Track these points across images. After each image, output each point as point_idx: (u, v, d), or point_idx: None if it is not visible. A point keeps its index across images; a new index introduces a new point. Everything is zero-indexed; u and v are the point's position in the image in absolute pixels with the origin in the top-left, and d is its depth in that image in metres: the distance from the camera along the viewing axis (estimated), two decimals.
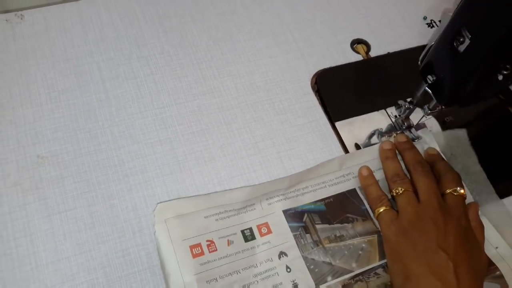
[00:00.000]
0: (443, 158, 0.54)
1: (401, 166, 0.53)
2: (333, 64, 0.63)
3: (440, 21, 0.69)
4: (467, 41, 0.44)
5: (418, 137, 0.57)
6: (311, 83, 0.61)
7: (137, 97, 0.56)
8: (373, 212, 0.51)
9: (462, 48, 0.45)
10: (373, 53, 0.65)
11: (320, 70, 0.62)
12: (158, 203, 0.49)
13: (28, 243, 0.47)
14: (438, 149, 0.56)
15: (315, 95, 0.60)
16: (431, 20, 0.69)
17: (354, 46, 0.65)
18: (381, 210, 0.50)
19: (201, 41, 0.62)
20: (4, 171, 0.50)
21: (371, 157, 0.54)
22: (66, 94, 0.55)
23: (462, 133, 0.57)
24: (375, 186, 0.52)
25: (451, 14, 0.47)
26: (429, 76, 0.50)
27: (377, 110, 0.60)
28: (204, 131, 0.55)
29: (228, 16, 0.64)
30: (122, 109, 0.55)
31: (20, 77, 0.55)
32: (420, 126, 0.58)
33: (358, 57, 0.64)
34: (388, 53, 0.65)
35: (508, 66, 0.43)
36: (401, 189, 0.50)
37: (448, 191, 0.50)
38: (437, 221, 0.47)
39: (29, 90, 0.55)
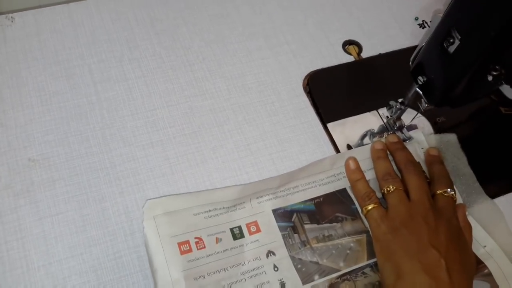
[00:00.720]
0: (442, 162, 0.54)
1: (393, 166, 0.53)
2: (325, 66, 0.63)
3: (430, 21, 0.69)
4: (457, 42, 0.44)
5: (409, 138, 0.57)
6: (303, 85, 0.61)
7: (129, 100, 0.56)
8: (361, 209, 0.51)
9: (452, 49, 0.45)
10: (364, 54, 0.65)
11: (312, 72, 0.62)
12: (148, 199, 0.49)
13: (19, 246, 0.47)
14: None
15: (307, 96, 0.60)
16: (422, 21, 0.69)
17: (346, 47, 0.65)
18: (370, 207, 0.50)
19: (193, 43, 0.62)
20: None
21: (362, 157, 0.54)
22: (57, 97, 0.55)
23: (452, 136, 0.58)
24: (363, 182, 0.52)
25: (441, 15, 0.47)
26: (420, 77, 0.50)
27: (369, 111, 0.60)
28: (196, 133, 0.55)
29: (220, 18, 0.64)
30: (113, 112, 0.55)
31: (11, 79, 0.55)
32: (411, 126, 0.59)
33: (350, 58, 0.64)
34: (380, 54, 0.65)
35: (497, 67, 0.44)
36: (392, 187, 0.50)
37: (438, 191, 0.50)
38: (428, 220, 0.47)
39: (20, 92, 0.54)
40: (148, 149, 0.53)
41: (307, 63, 0.63)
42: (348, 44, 0.65)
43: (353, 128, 0.59)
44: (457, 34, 0.44)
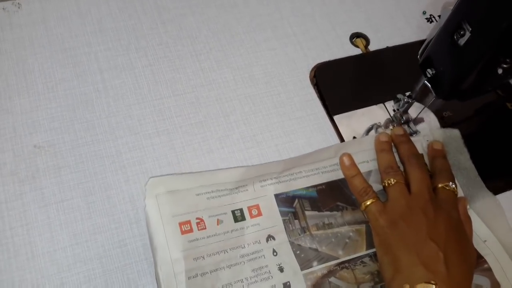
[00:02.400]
0: (444, 156, 0.54)
1: (396, 159, 0.53)
2: (332, 58, 0.62)
3: (439, 16, 0.69)
4: (468, 34, 0.44)
5: (416, 132, 0.56)
6: (310, 76, 0.61)
7: (135, 88, 0.56)
8: (359, 204, 0.50)
9: (462, 41, 0.45)
10: (372, 47, 0.65)
11: (319, 64, 0.62)
12: (151, 177, 0.49)
13: (24, 233, 0.46)
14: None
15: (314, 88, 0.60)
16: (430, 15, 0.69)
17: (353, 40, 0.65)
18: (368, 202, 0.49)
19: (200, 33, 0.61)
20: (0, 160, 0.49)
21: (367, 147, 0.54)
22: (63, 84, 0.55)
23: (456, 131, 0.57)
24: (359, 178, 0.52)
25: (451, 7, 0.47)
26: (429, 70, 0.50)
27: (376, 104, 0.60)
28: (202, 123, 0.55)
29: (227, 8, 0.64)
30: (119, 100, 0.55)
31: (17, 66, 0.55)
32: (418, 120, 0.58)
33: (357, 51, 0.64)
34: (387, 47, 0.65)
35: (508, 60, 0.43)
36: (393, 180, 0.50)
37: (440, 185, 0.50)
38: (427, 212, 0.47)
39: (26, 79, 0.54)
40: (154, 138, 0.53)
41: (314, 55, 0.62)
42: (355, 36, 0.65)
43: (360, 121, 0.58)
44: (468, 26, 0.44)
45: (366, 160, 0.54)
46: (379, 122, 0.58)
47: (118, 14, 0.60)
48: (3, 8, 0.58)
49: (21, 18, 0.58)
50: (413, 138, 0.55)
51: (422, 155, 0.54)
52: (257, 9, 0.64)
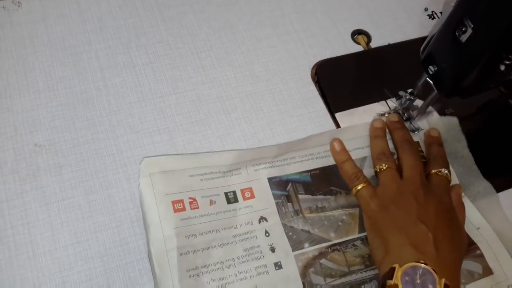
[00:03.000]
0: (440, 143, 0.54)
1: (388, 146, 0.53)
2: (333, 55, 0.62)
3: (441, 12, 0.68)
4: (469, 31, 0.44)
5: (418, 129, 0.56)
6: (311, 74, 0.61)
7: (136, 86, 0.56)
8: (351, 189, 0.50)
9: (464, 38, 0.44)
10: (373, 44, 0.64)
11: (320, 61, 0.61)
12: (145, 157, 0.49)
13: (25, 231, 0.46)
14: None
15: (315, 85, 0.60)
16: (432, 12, 0.69)
17: (355, 37, 0.65)
18: (359, 187, 0.49)
19: (201, 30, 0.61)
20: (1, 159, 0.49)
21: (361, 133, 0.55)
22: (64, 82, 0.55)
23: (454, 119, 0.57)
24: (349, 163, 0.52)
25: (453, 4, 0.47)
26: (431, 67, 0.49)
27: (378, 101, 0.59)
28: (203, 121, 0.55)
29: (228, 5, 0.64)
30: (120, 98, 0.55)
31: (17, 64, 0.55)
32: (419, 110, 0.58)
33: (358, 48, 0.64)
34: (389, 44, 0.64)
35: (510, 56, 0.43)
36: (385, 166, 0.50)
37: (433, 171, 0.50)
38: (418, 196, 0.47)
39: (27, 78, 0.54)
40: (155, 136, 0.53)
41: (315, 52, 0.62)
42: (357, 33, 0.65)
43: (361, 118, 0.58)
44: (470, 23, 0.43)
45: (360, 146, 0.54)
46: (387, 111, 0.58)
47: (119, 12, 0.60)
48: (3, 7, 0.58)
49: (21, 16, 0.58)
50: (414, 135, 0.55)
51: (417, 142, 0.54)
52: (258, 6, 0.64)
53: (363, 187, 0.49)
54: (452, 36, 0.45)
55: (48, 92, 0.54)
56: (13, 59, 0.55)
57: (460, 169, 0.55)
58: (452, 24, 0.45)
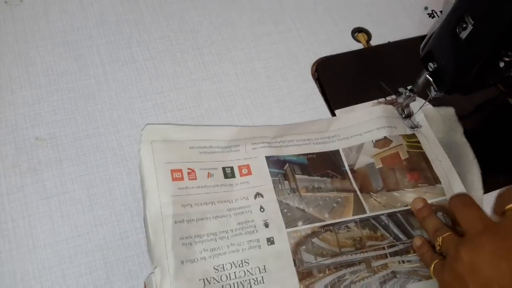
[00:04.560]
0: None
1: (440, 220, 0.49)
2: (333, 53, 0.62)
3: (441, 11, 0.69)
4: (470, 28, 0.44)
5: (417, 126, 0.56)
6: (312, 71, 0.61)
7: (137, 81, 0.56)
8: (435, 243, 0.47)
9: (464, 34, 0.45)
10: (373, 42, 0.64)
11: (320, 58, 0.62)
12: (147, 124, 0.50)
13: (25, 224, 0.46)
14: (431, 131, 0.55)
15: (315, 82, 0.60)
16: (432, 11, 0.69)
17: (355, 34, 0.65)
18: (445, 235, 0.46)
19: (202, 26, 0.61)
20: (2, 152, 0.49)
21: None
22: (65, 77, 0.55)
23: (450, 109, 0.57)
24: (431, 218, 0.49)
25: (453, 2, 0.47)
26: (430, 64, 0.50)
27: (377, 98, 0.60)
28: (203, 117, 0.55)
29: (229, 2, 0.64)
30: (121, 93, 0.55)
31: (19, 59, 0.55)
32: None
33: (358, 46, 0.64)
34: (389, 42, 0.65)
35: (510, 53, 0.43)
36: (440, 239, 0.46)
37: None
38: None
39: (28, 72, 0.54)
40: None
41: (315, 49, 0.62)
42: (357, 31, 0.65)
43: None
44: (470, 19, 0.44)
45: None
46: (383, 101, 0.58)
47: (120, 7, 0.60)
48: (6, 2, 0.58)
49: (23, 11, 0.58)
50: (415, 132, 0.55)
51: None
52: (259, 3, 0.64)
53: (447, 235, 0.46)
54: (452, 33, 0.46)
55: (49, 86, 0.54)
56: (15, 53, 0.55)
57: (456, 158, 0.54)
58: (453, 20, 0.46)
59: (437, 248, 0.46)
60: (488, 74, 0.47)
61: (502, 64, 0.44)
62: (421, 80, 0.52)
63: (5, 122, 0.51)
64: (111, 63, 0.56)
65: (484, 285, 0.40)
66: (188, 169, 0.48)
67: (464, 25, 0.44)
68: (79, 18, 0.59)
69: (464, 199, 0.48)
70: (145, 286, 0.44)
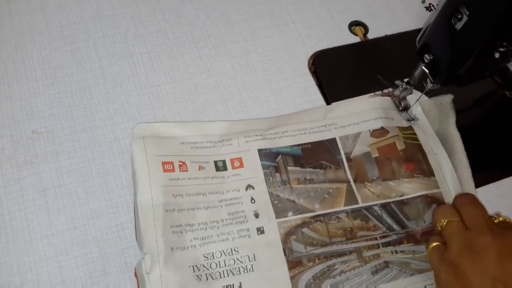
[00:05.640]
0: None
1: (451, 206, 0.48)
2: (330, 46, 0.62)
3: (437, 4, 0.68)
4: (465, 18, 0.44)
5: (414, 119, 0.56)
6: (308, 64, 0.61)
7: (133, 75, 0.56)
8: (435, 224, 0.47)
9: (459, 25, 0.45)
10: (371, 35, 0.64)
11: (317, 51, 0.62)
12: (138, 123, 0.51)
13: (22, 217, 0.47)
14: (428, 124, 0.55)
15: (312, 76, 0.60)
16: (429, 4, 0.69)
17: (352, 28, 0.65)
18: (433, 244, 0.45)
19: (198, 20, 0.61)
20: None
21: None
22: (61, 71, 0.55)
23: (447, 97, 0.56)
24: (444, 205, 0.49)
25: None
26: (426, 55, 0.49)
27: (374, 91, 0.59)
28: (200, 110, 0.55)
29: None
30: (117, 87, 0.55)
31: (15, 53, 0.55)
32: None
33: (355, 39, 0.64)
34: (386, 35, 0.65)
35: (505, 44, 0.43)
36: (445, 221, 0.46)
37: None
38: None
39: (25, 66, 0.54)
40: None
41: (312, 42, 0.62)
42: (354, 25, 0.65)
43: None
44: (465, 10, 0.44)
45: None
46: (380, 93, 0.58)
47: (117, 1, 0.60)
48: None
49: (20, 5, 0.58)
50: (412, 125, 0.55)
51: None
52: None
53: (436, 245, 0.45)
54: (447, 24, 0.46)
55: (46, 80, 0.54)
56: (11, 47, 0.55)
57: (450, 149, 0.54)
58: (448, 12, 0.46)
59: (438, 228, 0.46)
60: (484, 65, 0.47)
61: (497, 55, 0.44)
62: (417, 72, 0.52)
63: (1, 115, 0.51)
64: (108, 57, 0.57)
65: (488, 283, 0.40)
66: (180, 161, 0.49)
67: (459, 16, 0.44)
68: (76, 12, 0.59)
69: (470, 197, 0.48)
70: (136, 273, 0.45)
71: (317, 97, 0.59)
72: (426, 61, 0.50)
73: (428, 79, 0.51)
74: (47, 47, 0.56)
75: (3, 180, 0.48)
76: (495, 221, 0.46)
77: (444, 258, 0.43)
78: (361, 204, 0.50)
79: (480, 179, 0.55)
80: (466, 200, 0.47)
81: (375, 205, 0.50)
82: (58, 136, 0.51)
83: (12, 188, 0.48)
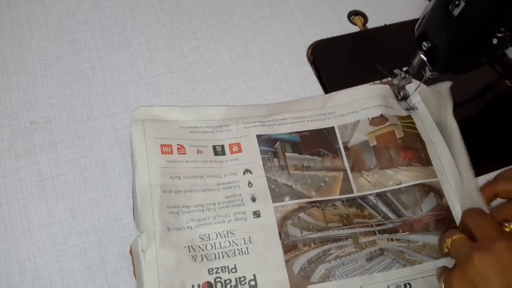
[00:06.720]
0: None
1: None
2: (329, 36, 0.62)
3: None
4: (462, 4, 0.43)
5: (413, 108, 0.56)
6: (307, 54, 0.61)
7: (131, 65, 0.56)
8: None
9: (457, 11, 0.44)
10: (370, 25, 0.64)
11: (316, 41, 0.61)
12: (138, 106, 0.52)
13: (20, 206, 0.47)
14: (427, 113, 0.55)
15: (311, 66, 0.60)
16: None
17: (351, 17, 0.64)
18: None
19: (197, 11, 0.61)
20: None
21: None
22: (60, 62, 0.55)
23: (446, 84, 0.55)
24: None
25: None
26: (424, 43, 0.49)
27: (373, 81, 0.59)
28: (198, 100, 0.55)
29: None
30: (116, 77, 0.55)
31: (14, 44, 0.55)
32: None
33: (355, 29, 0.63)
34: (385, 25, 0.64)
35: (502, 29, 0.43)
36: (449, 241, 0.45)
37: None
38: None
39: (23, 57, 0.55)
40: None
41: (311, 33, 0.62)
42: (353, 14, 0.65)
43: None
44: None
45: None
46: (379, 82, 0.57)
47: None
48: None
49: None
50: (411, 114, 0.55)
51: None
52: None
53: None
54: (445, 11, 0.45)
55: (44, 71, 0.54)
56: (10, 38, 0.56)
57: (448, 139, 0.53)
58: None
59: (445, 251, 0.45)
60: (482, 51, 0.46)
61: (495, 41, 0.44)
62: (416, 61, 0.52)
63: (0, 106, 0.51)
64: (106, 47, 0.57)
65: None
66: (178, 145, 0.49)
67: (456, 2, 0.44)
68: (74, 3, 0.59)
69: (478, 210, 0.48)
70: (131, 250, 0.45)
71: (316, 87, 0.58)
72: (424, 48, 0.49)
73: (427, 68, 0.51)
74: (46, 38, 0.56)
75: (1, 170, 0.48)
76: (506, 229, 0.46)
77: (453, 273, 0.42)
78: (356, 194, 0.50)
79: (480, 168, 0.54)
80: (474, 213, 0.47)
81: (370, 194, 0.50)
82: (56, 127, 0.51)
83: (11, 178, 0.48)
